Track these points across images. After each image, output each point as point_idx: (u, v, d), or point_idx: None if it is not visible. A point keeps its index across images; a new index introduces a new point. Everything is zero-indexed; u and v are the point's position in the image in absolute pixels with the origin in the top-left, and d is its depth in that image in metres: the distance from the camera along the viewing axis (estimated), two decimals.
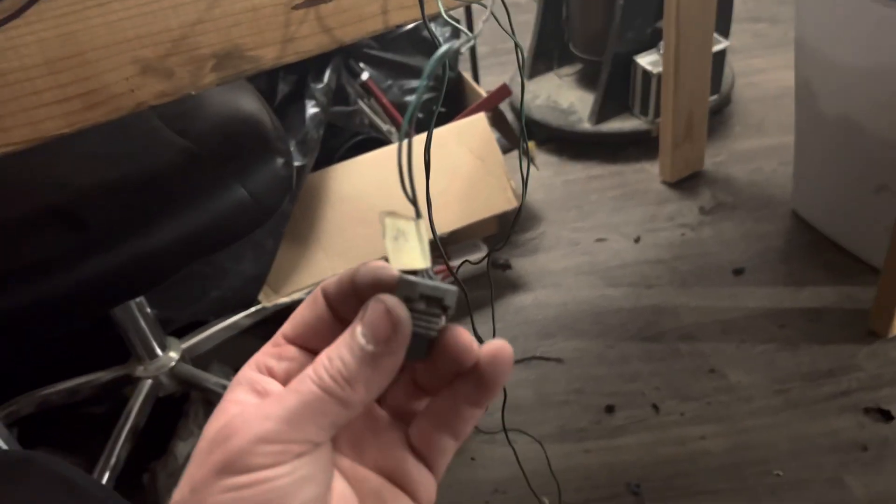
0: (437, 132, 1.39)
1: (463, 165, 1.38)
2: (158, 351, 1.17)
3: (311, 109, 1.32)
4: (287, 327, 0.34)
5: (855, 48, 1.19)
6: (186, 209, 0.85)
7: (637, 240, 1.48)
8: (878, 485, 1.05)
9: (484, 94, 1.53)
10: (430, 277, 0.32)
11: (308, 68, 1.34)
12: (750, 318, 1.30)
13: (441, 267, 1.22)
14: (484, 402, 0.33)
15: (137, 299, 1.10)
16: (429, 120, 1.57)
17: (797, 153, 1.43)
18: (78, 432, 1.23)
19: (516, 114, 1.72)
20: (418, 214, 0.32)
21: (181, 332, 1.24)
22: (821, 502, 1.04)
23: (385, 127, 1.48)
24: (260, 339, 0.35)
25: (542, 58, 1.82)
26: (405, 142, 0.30)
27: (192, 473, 0.29)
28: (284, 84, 1.33)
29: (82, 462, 1.14)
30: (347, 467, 0.33)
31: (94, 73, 0.43)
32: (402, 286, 0.31)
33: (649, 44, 1.62)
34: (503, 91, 1.50)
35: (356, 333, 0.30)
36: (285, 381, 0.32)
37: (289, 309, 0.34)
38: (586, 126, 1.69)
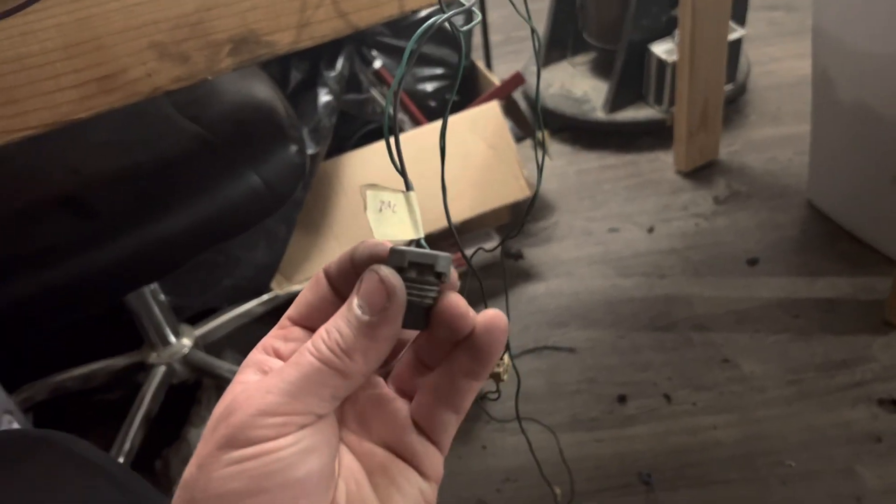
0: (450, 120, 1.39)
1: (475, 154, 1.38)
2: (172, 338, 1.18)
3: (324, 97, 1.31)
4: (292, 310, 0.34)
5: (874, 36, 1.17)
6: (199, 196, 0.85)
7: (651, 229, 1.47)
8: (892, 476, 1.04)
9: (497, 82, 1.53)
10: (423, 247, 0.32)
11: (321, 56, 1.34)
12: (764, 308, 1.30)
13: (455, 255, 1.22)
14: (481, 374, 0.33)
15: (151, 286, 1.11)
16: (443, 108, 1.57)
17: (813, 142, 1.42)
18: (92, 418, 1.24)
19: (529, 102, 1.71)
20: (408, 187, 0.32)
21: (194, 320, 1.25)
22: (833, 493, 1.04)
23: (398, 115, 1.48)
24: (272, 327, 0.35)
25: (556, 46, 1.81)
26: (393, 119, 0.31)
27: (199, 451, 0.30)
28: (297, 72, 1.32)
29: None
30: (354, 442, 0.34)
31: (110, 57, 0.43)
32: (392, 256, 0.31)
33: (664, 32, 1.61)
34: (517, 79, 1.50)
35: (352, 305, 0.31)
36: None
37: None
38: (600, 115, 1.68)
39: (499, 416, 1.17)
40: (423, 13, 1.41)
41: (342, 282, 0.33)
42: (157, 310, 1.14)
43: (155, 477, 1.13)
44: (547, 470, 0.98)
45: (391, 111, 0.31)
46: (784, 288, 1.32)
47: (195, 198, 0.85)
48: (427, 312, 0.32)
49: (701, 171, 1.58)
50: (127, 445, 1.10)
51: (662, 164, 1.62)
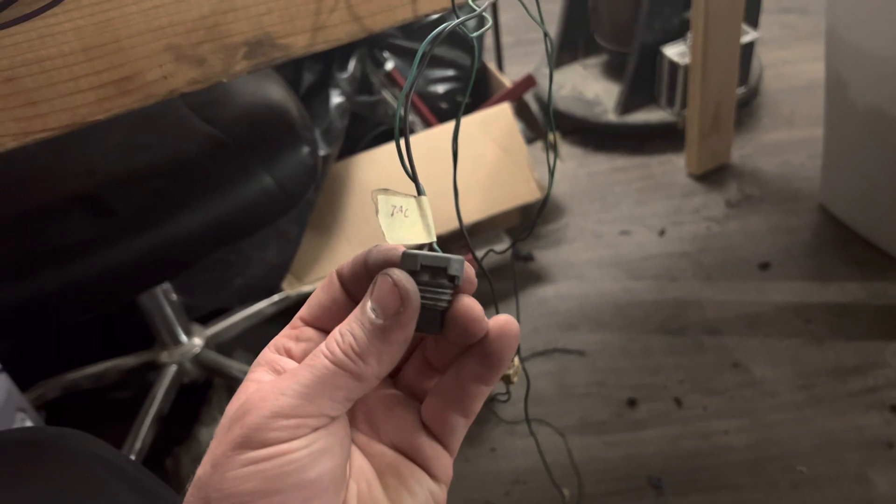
0: (462, 121, 1.39)
1: (486, 156, 1.38)
2: (183, 337, 1.18)
3: (336, 99, 1.32)
4: (304, 310, 0.35)
5: (888, 39, 1.17)
6: (213, 196, 0.86)
7: (662, 232, 1.47)
8: None
9: (509, 84, 1.53)
10: (436, 251, 0.32)
11: (333, 58, 1.35)
12: (775, 312, 1.29)
13: (466, 257, 1.22)
14: (491, 379, 0.33)
15: (163, 286, 1.12)
16: (455, 110, 1.58)
17: (826, 146, 1.41)
18: (103, 417, 1.25)
19: (541, 104, 1.71)
20: (419, 191, 0.32)
21: (205, 319, 1.26)
22: (844, 499, 1.03)
23: (409, 117, 1.48)
24: (283, 327, 0.35)
25: (568, 48, 1.81)
26: (404, 122, 0.31)
27: (213, 450, 0.30)
28: (309, 73, 1.33)
29: None
30: (364, 442, 0.34)
31: (128, 59, 0.43)
32: (405, 259, 0.31)
33: (677, 34, 1.60)
34: (528, 81, 1.50)
35: (366, 308, 0.31)
36: (303, 361, 0.32)
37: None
38: (611, 117, 1.68)
39: (508, 417, 1.17)
40: (435, 16, 1.41)
41: (355, 284, 0.33)
42: (168, 309, 1.14)
43: (165, 475, 1.13)
44: (556, 473, 0.98)
45: (402, 113, 0.31)
46: (796, 292, 1.32)
47: (209, 198, 0.86)
48: (441, 316, 0.32)
49: (713, 175, 1.58)
50: (138, 444, 1.10)
51: (674, 167, 1.62)
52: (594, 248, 1.46)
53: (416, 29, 1.49)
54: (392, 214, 0.31)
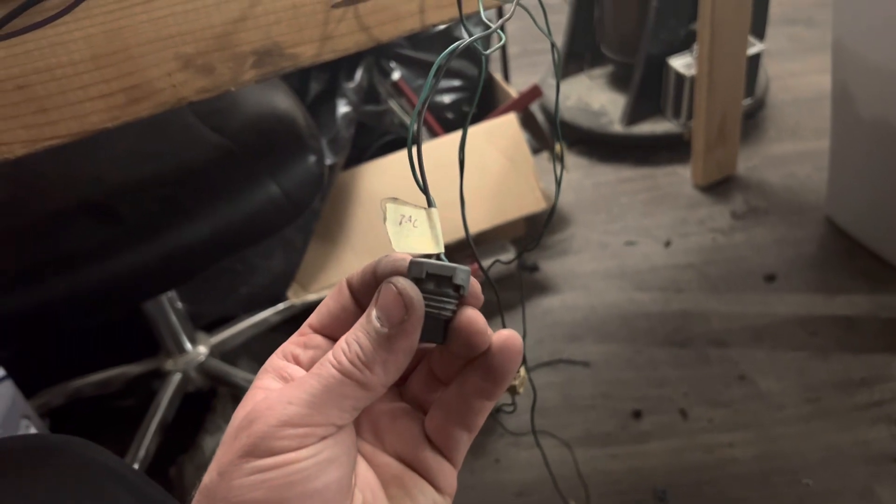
0: (468, 132, 1.39)
1: (492, 166, 1.38)
2: (188, 345, 1.18)
3: (343, 108, 1.32)
4: (313, 318, 0.35)
5: (895, 51, 1.17)
6: (220, 205, 0.86)
7: (667, 244, 1.47)
8: None
9: (515, 94, 1.53)
10: (443, 261, 0.32)
11: (340, 67, 1.35)
12: (781, 324, 1.28)
13: (473, 266, 1.22)
14: (494, 394, 0.33)
15: (169, 293, 1.12)
16: (462, 120, 1.57)
17: (832, 158, 1.41)
18: (107, 424, 1.25)
19: (547, 115, 1.71)
20: (430, 203, 0.32)
21: (210, 327, 1.26)
22: None
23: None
24: (288, 336, 0.35)
25: (574, 59, 1.81)
26: (417, 135, 0.31)
27: (220, 458, 0.30)
28: (316, 83, 1.33)
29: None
30: (369, 453, 0.34)
31: (137, 68, 0.44)
32: (411, 268, 0.32)
33: (683, 45, 1.60)
34: (534, 92, 1.50)
35: (371, 316, 0.31)
36: (310, 368, 0.32)
37: (317, 306, 0.35)
38: (617, 128, 1.68)
39: (512, 428, 1.17)
40: (443, 26, 1.41)
41: (364, 293, 0.34)
42: (173, 317, 1.15)
43: (169, 484, 1.13)
44: (560, 484, 0.98)
45: (415, 129, 0.31)
46: (802, 305, 1.31)
47: (216, 206, 0.86)
48: (445, 326, 0.32)
49: (719, 186, 1.58)
50: (142, 452, 1.10)
51: (680, 178, 1.62)
52: (600, 259, 1.46)
53: (422, 39, 1.49)
54: (400, 223, 0.32)
